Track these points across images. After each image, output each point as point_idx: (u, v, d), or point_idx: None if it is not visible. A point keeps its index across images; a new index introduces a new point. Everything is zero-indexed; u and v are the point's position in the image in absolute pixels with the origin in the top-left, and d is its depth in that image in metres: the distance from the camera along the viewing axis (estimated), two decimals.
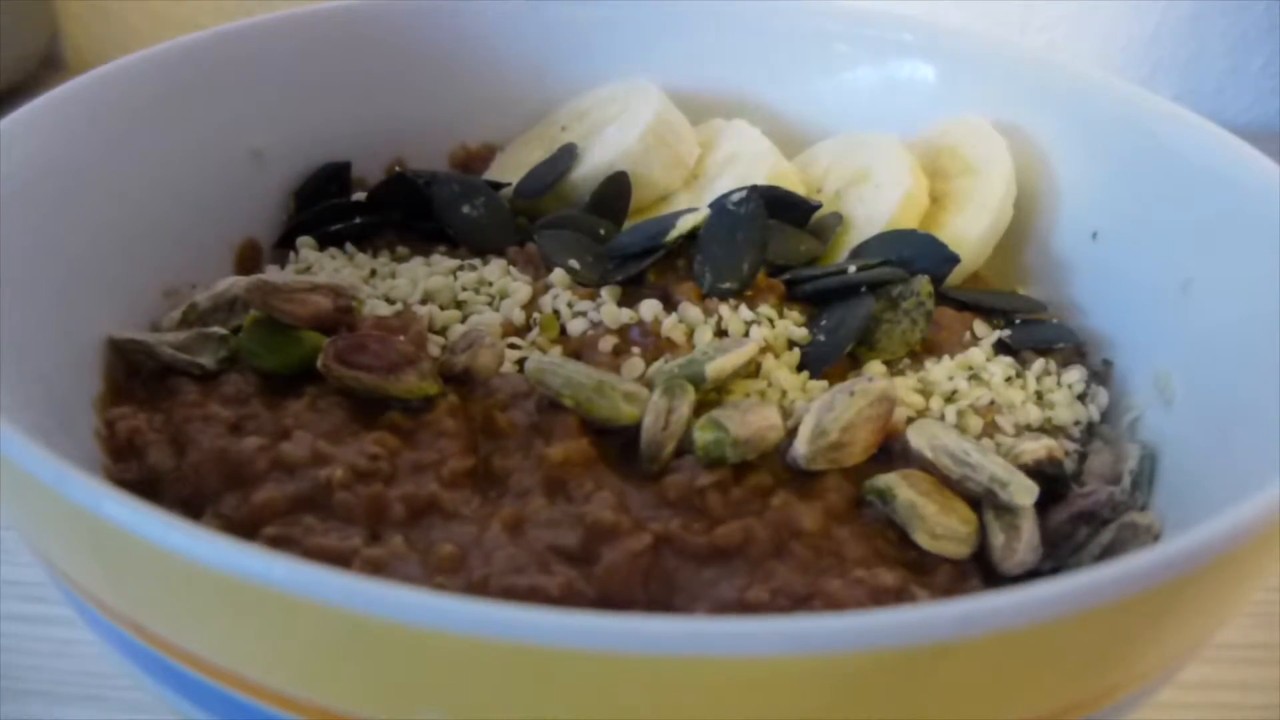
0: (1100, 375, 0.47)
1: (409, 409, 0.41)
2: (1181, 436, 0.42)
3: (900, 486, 0.38)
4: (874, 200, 0.51)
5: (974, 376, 0.45)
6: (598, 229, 0.50)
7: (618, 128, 0.53)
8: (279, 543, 0.35)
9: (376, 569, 0.34)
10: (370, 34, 0.55)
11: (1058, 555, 0.39)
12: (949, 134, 0.53)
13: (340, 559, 0.34)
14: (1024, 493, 0.38)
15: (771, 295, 0.46)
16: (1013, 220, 0.51)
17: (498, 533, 0.36)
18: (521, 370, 0.42)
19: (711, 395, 0.42)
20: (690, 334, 0.44)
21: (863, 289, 0.46)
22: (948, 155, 0.52)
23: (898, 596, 0.35)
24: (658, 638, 0.25)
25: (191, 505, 0.38)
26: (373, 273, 0.49)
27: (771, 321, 0.45)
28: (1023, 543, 0.37)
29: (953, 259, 0.48)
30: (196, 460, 0.38)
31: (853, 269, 0.46)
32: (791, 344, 0.45)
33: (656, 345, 0.44)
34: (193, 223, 0.49)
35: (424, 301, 0.46)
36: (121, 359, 0.43)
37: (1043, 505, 0.39)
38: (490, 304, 0.47)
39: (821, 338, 0.45)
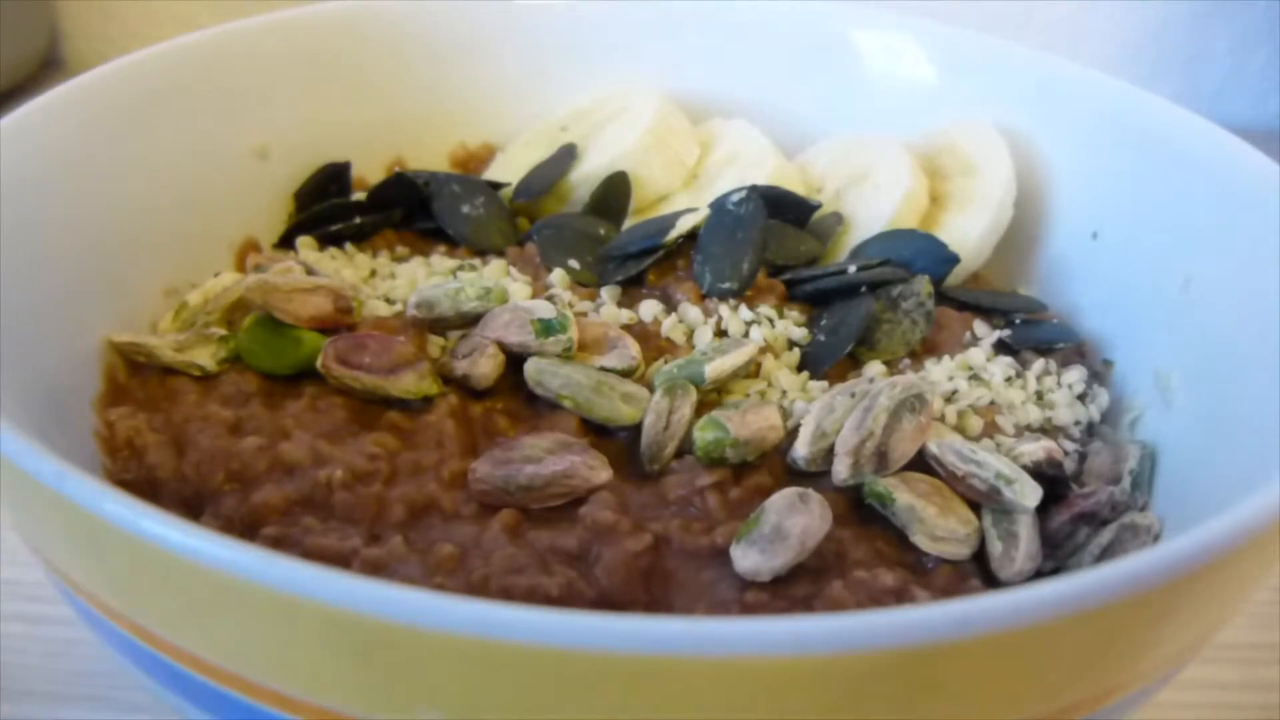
0: (1100, 375, 0.47)
1: (409, 409, 0.41)
2: (1181, 436, 0.42)
3: (900, 489, 0.38)
4: (874, 200, 0.51)
5: (974, 377, 0.45)
6: (597, 229, 0.50)
7: (618, 128, 0.53)
8: (279, 543, 0.35)
9: (376, 569, 0.34)
10: (370, 34, 0.55)
11: (1058, 556, 0.39)
12: (949, 134, 0.53)
13: (340, 559, 0.34)
14: (1029, 494, 0.38)
15: (771, 295, 0.46)
16: (1013, 220, 0.51)
17: (497, 533, 0.36)
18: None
19: (711, 395, 0.42)
20: (690, 334, 0.44)
21: (863, 289, 0.46)
22: (948, 155, 0.52)
23: (898, 597, 0.35)
24: (658, 638, 0.25)
25: (191, 505, 0.38)
26: (373, 273, 0.49)
27: (771, 321, 0.45)
28: (1021, 551, 0.37)
29: (953, 259, 0.48)
30: (196, 460, 0.38)
31: (853, 269, 0.46)
32: (791, 344, 0.45)
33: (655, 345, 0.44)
34: (193, 222, 0.49)
35: None
36: (121, 359, 0.43)
37: (1043, 506, 0.39)
38: None
39: (821, 338, 0.45)
